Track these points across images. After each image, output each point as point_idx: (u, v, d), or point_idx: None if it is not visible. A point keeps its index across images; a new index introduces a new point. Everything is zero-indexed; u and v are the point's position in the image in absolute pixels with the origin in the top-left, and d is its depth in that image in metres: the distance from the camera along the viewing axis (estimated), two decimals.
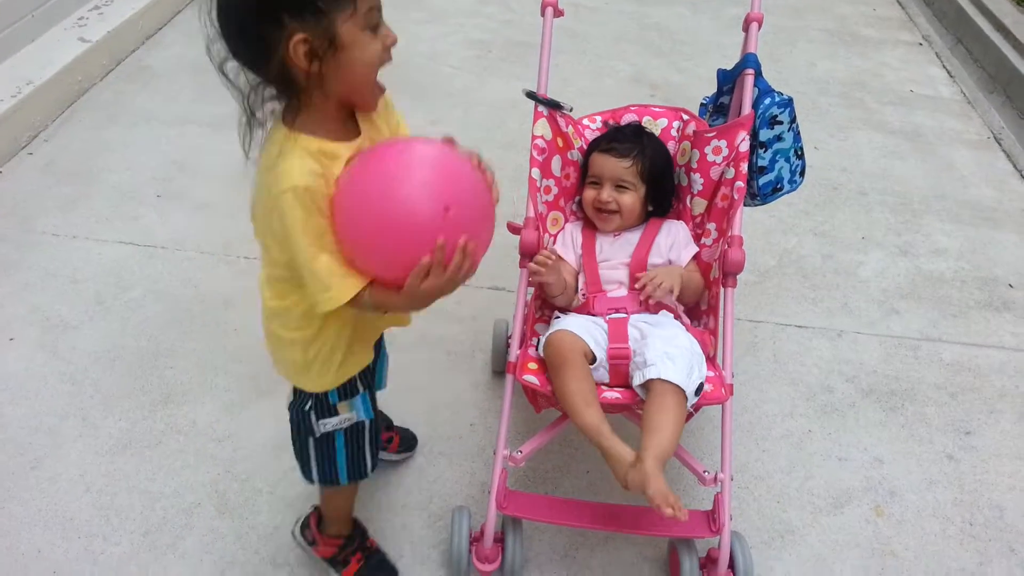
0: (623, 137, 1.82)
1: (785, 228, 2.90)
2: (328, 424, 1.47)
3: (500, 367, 2.15)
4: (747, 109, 1.80)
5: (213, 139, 3.12)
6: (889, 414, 2.21)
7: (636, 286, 1.70)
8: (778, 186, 2.04)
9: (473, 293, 2.51)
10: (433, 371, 2.24)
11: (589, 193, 1.81)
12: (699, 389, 1.54)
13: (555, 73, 3.74)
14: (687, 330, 1.68)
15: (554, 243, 1.84)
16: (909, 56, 4.27)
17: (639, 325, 1.66)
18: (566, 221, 1.91)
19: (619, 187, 1.78)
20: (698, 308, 1.85)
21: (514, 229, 1.96)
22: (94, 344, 2.22)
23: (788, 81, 3.89)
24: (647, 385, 1.52)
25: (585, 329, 1.62)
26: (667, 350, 1.53)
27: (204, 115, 3.27)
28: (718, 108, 1.99)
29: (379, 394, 1.60)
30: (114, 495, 1.84)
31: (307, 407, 1.46)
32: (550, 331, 1.64)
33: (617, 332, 1.63)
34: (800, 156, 2.01)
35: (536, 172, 1.75)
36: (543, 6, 1.82)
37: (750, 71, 1.83)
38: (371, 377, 1.51)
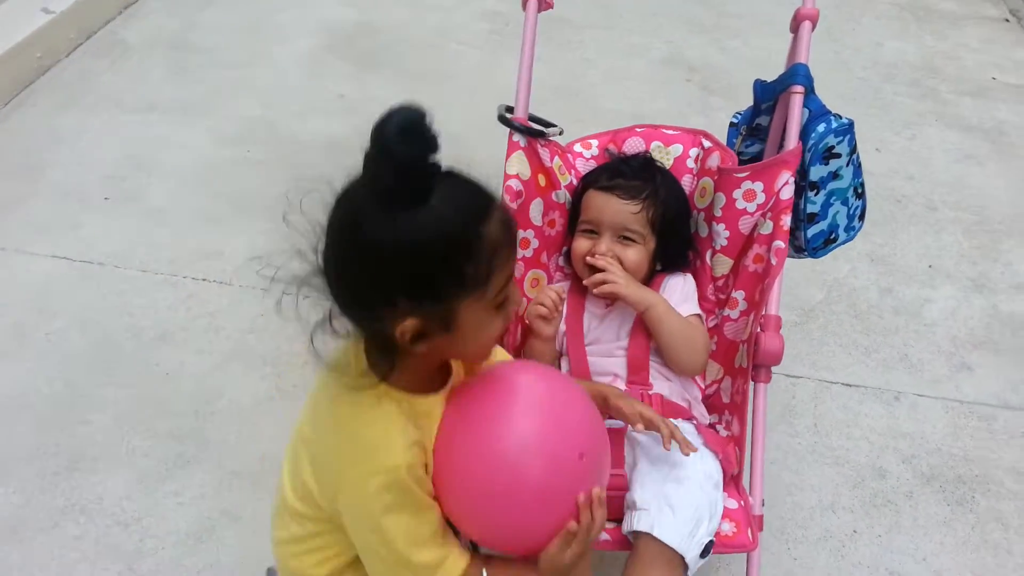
0: (630, 172, 1.40)
1: (836, 252, 2.41)
2: None
3: None
4: (793, 141, 1.36)
5: (178, 129, 2.75)
6: (955, 509, 1.78)
7: (585, 281, 1.33)
8: (832, 236, 1.60)
9: None
10: None
11: (581, 244, 1.39)
12: (706, 550, 1.13)
13: (578, 51, 3.28)
14: (707, 444, 1.26)
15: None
16: (993, 35, 3.68)
17: (643, 439, 1.23)
18: (550, 281, 1.49)
19: (623, 238, 1.36)
20: (719, 398, 1.42)
21: None
22: (2, 388, 1.89)
23: (848, 64, 3.37)
24: (635, 536, 1.12)
25: None
26: (668, 492, 1.13)
27: (173, 99, 2.90)
28: (753, 131, 1.54)
29: None
30: None
31: None
32: None
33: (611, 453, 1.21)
34: (860, 195, 1.56)
35: None
36: (524, 1, 1.38)
37: (799, 88, 1.37)
38: None
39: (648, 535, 1.09)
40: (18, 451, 1.76)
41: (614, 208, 1.36)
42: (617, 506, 1.18)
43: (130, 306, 2.12)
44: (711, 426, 1.36)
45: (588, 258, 1.37)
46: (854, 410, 1.98)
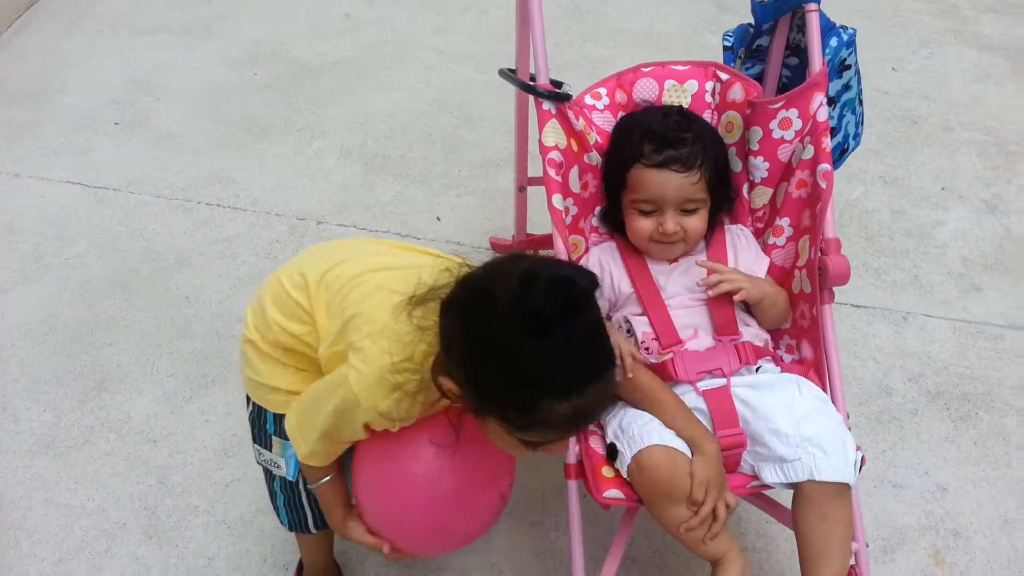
0: (676, 138, 1.30)
1: (849, 172, 2.41)
2: (261, 455, 1.25)
3: None
4: (817, 61, 1.34)
5: (185, 53, 2.71)
6: (959, 426, 1.83)
7: (700, 282, 1.28)
8: (844, 146, 1.61)
9: (467, 256, 2.13)
10: None
11: (643, 224, 1.32)
12: (860, 463, 1.19)
13: None
14: (804, 379, 1.27)
15: None
16: None
17: (742, 393, 1.24)
18: (587, 243, 1.42)
19: (684, 210, 1.31)
20: (777, 331, 1.41)
21: (501, 248, 1.55)
22: (26, 313, 1.93)
23: None
24: (795, 486, 1.18)
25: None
26: (803, 431, 1.16)
27: (179, 21, 2.84)
28: (753, 52, 1.52)
29: None
30: (28, 509, 1.59)
31: (250, 415, 1.25)
32: (635, 444, 1.17)
33: (722, 411, 1.22)
34: (861, 102, 1.57)
35: (558, 199, 1.26)
36: None
37: (814, 7, 1.35)
38: None
39: (810, 481, 1.14)
40: (46, 372, 1.81)
41: (675, 185, 1.28)
42: (734, 461, 1.21)
43: (146, 231, 2.14)
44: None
45: (656, 236, 1.32)
46: (863, 330, 2.01)
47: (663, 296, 1.34)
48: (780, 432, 1.17)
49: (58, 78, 2.60)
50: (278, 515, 1.31)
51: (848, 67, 1.49)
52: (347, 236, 2.17)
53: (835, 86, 1.45)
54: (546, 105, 1.27)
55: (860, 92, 1.57)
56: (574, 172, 1.32)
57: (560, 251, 1.24)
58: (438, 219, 2.24)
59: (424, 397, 1.03)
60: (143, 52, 2.72)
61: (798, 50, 1.51)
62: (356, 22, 2.92)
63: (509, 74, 1.37)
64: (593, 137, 1.38)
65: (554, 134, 1.27)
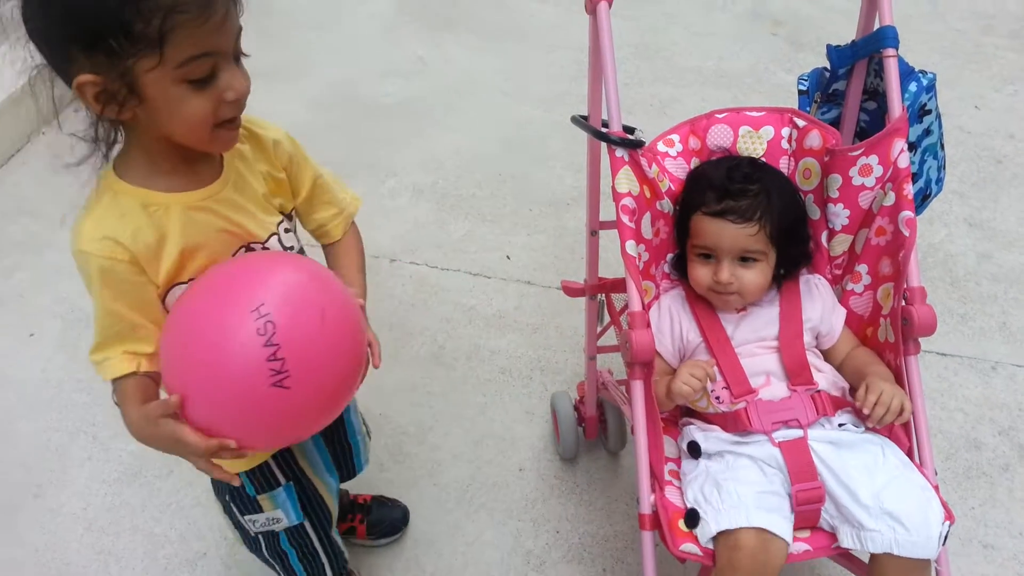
0: (737, 189, 1.30)
1: (931, 215, 2.34)
2: (256, 522, 1.21)
3: (571, 452, 1.76)
4: (897, 107, 1.31)
5: (267, 94, 2.78)
6: None
7: (861, 407, 1.20)
8: (926, 192, 1.57)
9: (536, 295, 2.15)
10: (482, 393, 1.92)
11: (701, 272, 1.32)
12: (945, 535, 1.14)
13: (657, 6, 3.19)
14: (873, 430, 1.23)
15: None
16: None
17: (821, 449, 1.20)
18: (658, 290, 1.42)
19: (743, 260, 1.30)
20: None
21: (572, 291, 1.55)
22: None
23: (943, 15, 3.19)
24: (873, 557, 1.15)
25: (765, 491, 1.16)
26: (885, 503, 1.12)
27: (262, 63, 2.95)
28: (829, 97, 1.49)
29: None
30: (116, 536, 1.65)
31: (227, 497, 1.21)
32: (721, 519, 1.13)
33: (799, 464, 1.18)
34: (943, 146, 1.53)
35: (631, 245, 1.24)
36: (593, 2, 1.24)
37: (892, 52, 1.32)
38: (297, 465, 1.22)
39: (889, 554, 1.11)
40: None
41: (730, 234, 1.28)
42: (813, 515, 1.18)
43: None
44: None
45: (712, 286, 1.31)
46: (948, 380, 1.93)
47: (732, 344, 1.32)
48: (860, 500, 1.13)
49: None
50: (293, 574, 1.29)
51: (928, 112, 1.46)
52: (419, 274, 2.21)
53: (915, 131, 1.42)
54: (619, 152, 1.27)
55: (941, 136, 1.53)
56: (646, 218, 1.33)
57: (634, 297, 1.24)
58: (508, 257, 2.26)
59: (123, 203, 0.95)
60: None
61: (876, 94, 1.48)
62: (428, 64, 3.00)
63: (582, 121, 1.38)
64: (666, 184, 1.38)
65: (627, 181, 1.27)
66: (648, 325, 1.19)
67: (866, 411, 1.19)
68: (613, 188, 1.26)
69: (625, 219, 1.23)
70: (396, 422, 1.86)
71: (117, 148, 0.97)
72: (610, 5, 1.24)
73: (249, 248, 1.05)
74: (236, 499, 1.21)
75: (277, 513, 1.20)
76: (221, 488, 1.23)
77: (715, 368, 1.26)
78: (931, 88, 1.42)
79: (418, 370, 1.97)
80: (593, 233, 1.49)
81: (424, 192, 2.46)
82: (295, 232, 1.15)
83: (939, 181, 1.59)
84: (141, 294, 0.97)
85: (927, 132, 1.49)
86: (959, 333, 2.04)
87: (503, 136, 2.66)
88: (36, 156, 2.60)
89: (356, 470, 1.45)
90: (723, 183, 1.30)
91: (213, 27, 0.86)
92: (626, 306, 1.25)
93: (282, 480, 1.20)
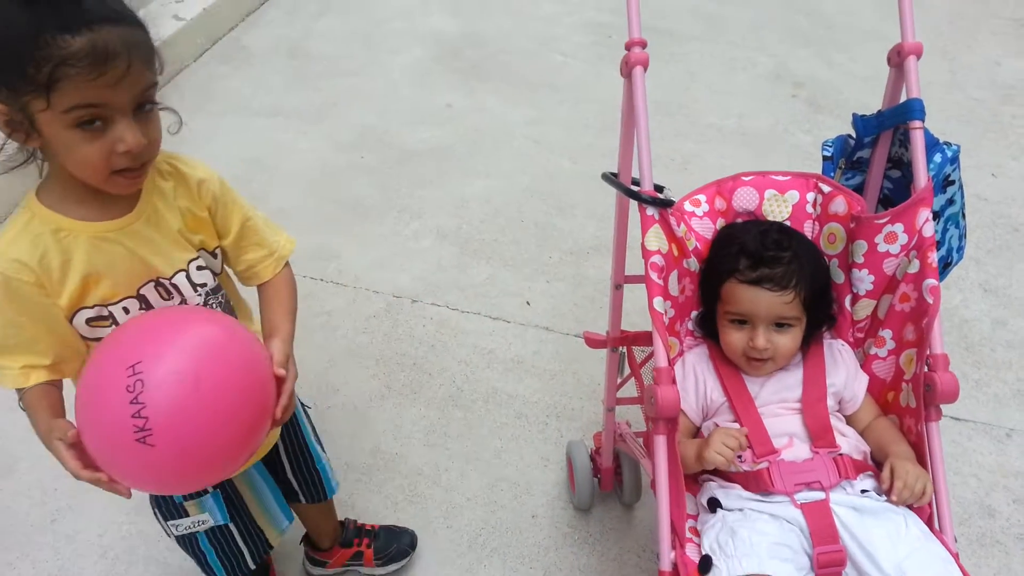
0: (771, 258, 1.32)
1: (947, 280, 2.32)
2: (180, 526, 1.28)
3: (586, 503, 1.78)
4: (923, 177, 1.35)
5: (298, 136, 2.91)
6: None
7: (887, 488, 1.22)
8: (948, 260, 1.61)
9: (554, 342, 2.18)
10: (498, 437, 1.94)
11: (736, 337, 1.34)
12: None
13: (680, 64, 3.26)
14: (909, 511, 1.23)
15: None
16: None
17: (843, 513, 1.20)
18: (682, 347, 1.44)
19: (777, 326, 1.33)
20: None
21: (595, 343, 1.58)
22: None
23: (963, 85, 3.26)
24: None
25: (779, 543, 1.17)
26: (908, 574, 1.11)
27: (295, 106, 3.06)
28: (853, 164, 1.53)
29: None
30: (130, 564, 1.67)
31: (151, 501, 1.28)
32: (734, 567, 1.14)
33: (821, 526, 1.18)
34: (964, 216, 1.56)
35: (659, 301, 1.26)
36: (629, 65, 1.27)
37: (918, 124, 1.36)
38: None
39: None
40: None
41: (767, 302, 1.30)
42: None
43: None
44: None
45: (746, 352, 1.34)
46: (963, 445, 1.94)
47: (756, 404, 1.34)
48: (883, 569, 1.13)
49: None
50: (211, 572, 1.36)
51: (952, 182, 1.50)
52: (440, 316, 2.25)
53: (939, 201, 1.46)
54: (650, 211, 1.30)
55: (963, 206, 1.57)
56: (674, 276, 1.35)
57: (660, 353, 1.26)
58: (528, 303, 2.29)
59: (35, 227, 1.01)
60: (260, 133, 2.93)
61: (900, 163, 1.52)
62: (457, 111, 3.08)
63: (612, 179, 1.41)
64: (693, 243, 1.41)
65: (656, 239, 1.30)
66: (674, 381, 1.21)
67: (894, 497, 1.20)
68: (643, 246, 1.28)
69: (654, 276, 1.26)
70: (412, 463, 1.87)
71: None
72: (645, 69, 1.27)
73: (158, 283, 1.10)
74: (161, 505, 1.27)
75: (203, 516, 1.27)
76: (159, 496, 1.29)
77: (746, 436, 1.27)
78: (955, 160, 1.46)
79: (436, 411, 1.99)
80: (618, 287, 1.52)
81: (448, 236, 2.51)
82: (211, 270, 1.18)
83: (960, 249, 1.62)
84: (45, 311, 1.04)
85: (950, 202, 1.53)
86: (974, 399, 2.05)
87: (528, 184, 2.72)
88: None
89: (328, 494, 1.51)
90: (758, 249, 1.32)
91: (105, 83, 0.91)
92: (647, 359, 1.27)
93: (209, 487, 1.26)
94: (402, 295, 2.31)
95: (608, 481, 1.74)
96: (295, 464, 1.44)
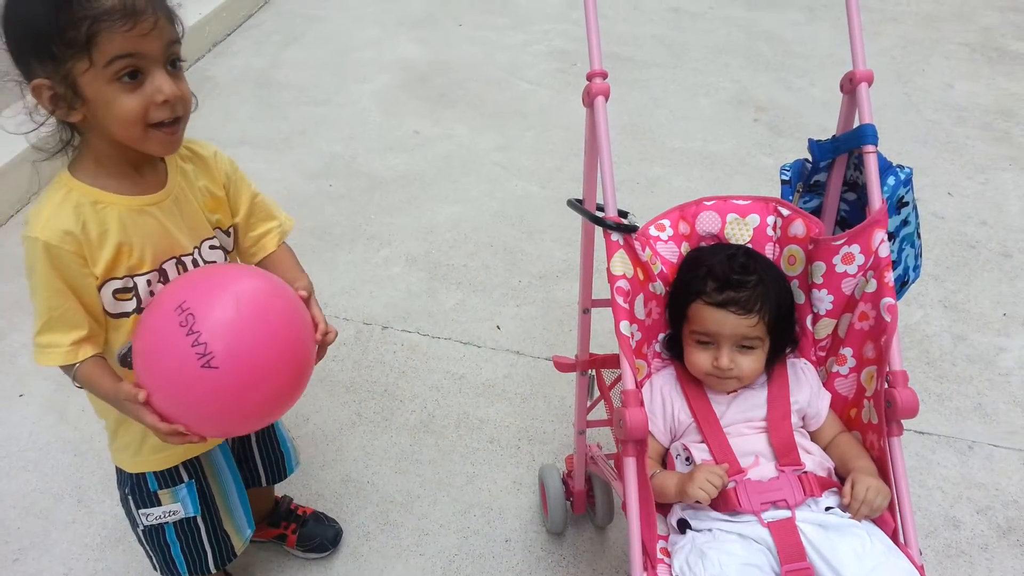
0: (737, 281, 1.35)
1: (908, 296, 2.42)
2: (151, 516, 1.33)
3: (559, 527, 1.78)
4: (877, 200, 1.39)
5: (266, 165, 2.91)
6: None
7: (847, 504, 1.24)
8: (904, 279, 1.65)
9: (525, 366, 2.19)
10: (470, 462, 1.94)
11: (701, 357, 1.37)
12: None
13: (644, 90, 3.33)
14: (873, 525, 1.25)
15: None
16: None
17: (809, 531, 1.22)
18: (649, 369, 1.46)
19: (741, 347, 1.36)
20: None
21: (564, 367, 1.59)
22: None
23: (918, 107, 3.36)
24: None
25: (748, 563, 1.18)
26: None
27: (262, 135, 3.06)
28: (811, 187, 1.58)
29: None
30: None
31: (126, 490, 1.33)
32: None
33: (787, 544, 1.20)
34: (919, 236, 1.61)
35: (625, 325, 1.27)
36: (591, 96, 1.30)
37: (871, 148, 1.41)
38: (204, 467, 1.36)
39: None
40: None
41: (732, 324, 1.33)
42: None
43: None
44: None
45: (713, 371, 1.36)
46: (927, 458, 1.97)
47: (721, 424, 1.36)
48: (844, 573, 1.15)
49: None
50: (172, 568, 1.38)
51: (906, 203, 1.54)
52: (410, 342, 2.25)
53: (894, 222, 1.50)
54: (614, 236, 1.32)
55: (918, 226, 1.62)
56: (639, 300, 1.37)
57: (628, 376, 1.28)
58: (498, 328, 2.30)
59: (75, 198, 1.08)
60: None
61: (855, 186, 1.57)
62: (425, 138, 3.11)
63: (578, 205, 1.43)
64: (658, 267, 1.44)
65: (621, 264, 1.31)
66: (641, 403, 1.22)
67: (851, 513, 1.23)
68: (608, 271, 1.30)
69: (620, 300, 1.28)
70: (384, 490, 1.86)
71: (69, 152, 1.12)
72: (607, 99, 1.30)
73: (179, 260, 1.17)
74: (135, 493, 1.31)
75: (175, 506, 1.32)
76: (123, 480, 1.33)
77: (726, 472, 1.27)
78: (908, 182, 1.51)
79: (407, 437, 1.98)
80: (585, 311, 1.54)
81: (417, 261, 2.52)
82: (223, 249, 1.26)
83: (916, 268, 1.67)
84: (82, 281, 1.10)
85: (905, 223, 1.57)
86: (936, 412, 2.09)
87: (496, 209, 2.74)
88: None
89: (288, 471, 1.58)
90: (725, 273, 1.35)
91: (138, 33, 0.99)
92: (616, 381, 1.29)
93: (185, 478, 1.32)
94: (372, 322, 2.30)
95: (580, 504, 1.75)
96: (263, 450, 1.52)
